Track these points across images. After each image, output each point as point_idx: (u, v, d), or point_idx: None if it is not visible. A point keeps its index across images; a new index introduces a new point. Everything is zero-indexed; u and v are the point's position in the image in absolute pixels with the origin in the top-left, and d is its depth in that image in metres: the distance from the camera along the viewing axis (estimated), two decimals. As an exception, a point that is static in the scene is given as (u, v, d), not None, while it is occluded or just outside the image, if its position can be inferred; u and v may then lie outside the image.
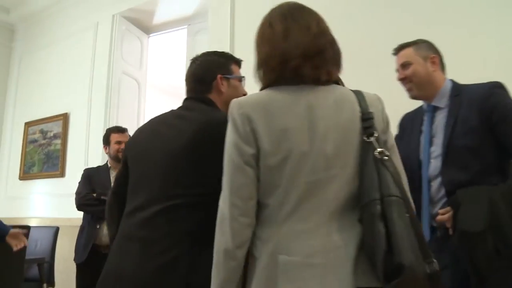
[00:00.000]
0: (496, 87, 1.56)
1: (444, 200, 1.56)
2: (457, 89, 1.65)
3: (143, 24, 4.61)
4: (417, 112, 1.79)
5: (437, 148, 1.61)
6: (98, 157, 3.84)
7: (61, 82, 4.62)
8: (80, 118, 4.34)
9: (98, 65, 4.32)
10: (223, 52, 1.53)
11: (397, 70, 1.76)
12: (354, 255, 0.90)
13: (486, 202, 1.35)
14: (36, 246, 3.47)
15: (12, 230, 2.46)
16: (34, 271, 3.27)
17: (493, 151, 1.51)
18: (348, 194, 0.96)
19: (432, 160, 1.62)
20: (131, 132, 4.16)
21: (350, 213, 0.96)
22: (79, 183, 2.94)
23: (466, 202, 1.40)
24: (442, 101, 1.66)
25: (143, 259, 1.18)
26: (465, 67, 2.08)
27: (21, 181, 4.70)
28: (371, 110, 1.00)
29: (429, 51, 1.72)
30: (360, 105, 1.00)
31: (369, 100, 1.03)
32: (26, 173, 4.66)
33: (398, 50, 1.77)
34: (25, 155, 4.73)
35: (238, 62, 1.52)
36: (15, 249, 2.41)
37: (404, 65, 1.72)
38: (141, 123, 4.46)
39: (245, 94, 1.49)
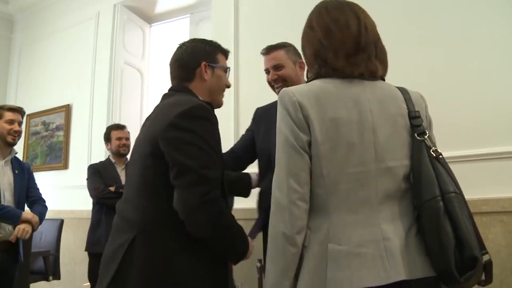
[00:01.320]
0: None
1: None
2: None
3: (145, 13, 4.54)
4: (273, 108, 1.85)
5: None
6: (101, 148, 3.79)
7: (63, 73, 4.57)
8: (82, 109, 4.30)
9: (100, 55, 4.27)
10: (211, 40, 1.50)
11: (267, 70, 1.90)
12: (403, 247, 0.93)
13: None
14: (41, 239, 3.46)
15: (25, 214, 2.40)
16: (39, 263, 3.26)
17: None
18: (398, 187, 0.99)
19: None
20: (133, 125, 4.19)
21: (399, 206, 0.99)
22: (88, 179, 3.05)
23: None
24: None
25: (110, 243, 1.27)
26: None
27: (24, 174, 4.66)
28: (417, 108, 1.04)
29: (297, 56, 1.88)
30: (407, 103, 1.04)
31: (414, 98, 1.06)
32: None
33: (268, 51, 1.91)
34: (27, 147, 4.70)
35: (225, 53, 1.51)
36: (19, 235, 2.30)
37: (276, 67, 1.86)
38: (144, 114, 4.48)
39: (228, 86, 1.51)
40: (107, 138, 3.19)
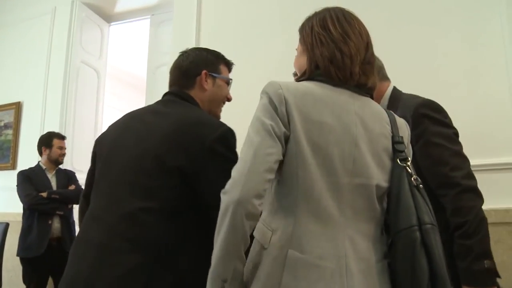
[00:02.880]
0: None
1: None
2: None
3: (104, 12, 4.43)
4: None
5: None
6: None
7: (15, 69, 4.36)
8: (34, 107, 4.12)
9: (55, 52, 4.11)
10: (215, 51, 1.47)
11: None
12: (365, 268, 0.91)
13: None
14: (-17, 243, 3.26)
15: None
16: (-20, 269, 3.08)
17: None
18: (370, 207, 0.96)
19: None
20: (87, 125, 4.06)
21: (368, 226, 0.96)
22: (19, 185, 3.17)
23: None
24: None
25: (100, 267, 1.08)
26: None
27: (-32, 173, 4.40)
28: (400, 134, 1.02)
29: None
30: (391, 126, 1.02)
31: (399, 123, 1.05)
32: (-27, 165, 4.38)
33: None
34: (-28, 145, 4.44)
35: (228, 64, 1.47)
36: None
37: None
38: (100, 114, 4.37)
39: (229, 99, 1.46)
40: (48, 143, 3.29)
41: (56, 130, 3.41)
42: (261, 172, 0.87)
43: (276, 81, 0.97)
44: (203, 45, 3.35)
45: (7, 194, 3.98)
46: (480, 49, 2.38)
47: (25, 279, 3.00)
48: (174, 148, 1.13)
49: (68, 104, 3.99)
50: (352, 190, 0.93)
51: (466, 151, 1.35)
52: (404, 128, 1.06)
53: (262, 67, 2.88)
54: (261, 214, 0.95)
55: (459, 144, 1.36)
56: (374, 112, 1.01)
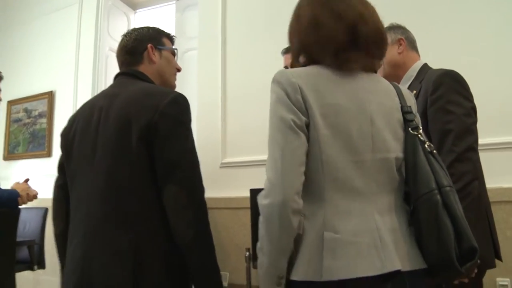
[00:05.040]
0: None
1: None
2: None
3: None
4: None
5: None
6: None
7: (46, 59, 4.46)
8: (66, 96, 4.22)
9: (84, 41, 4.18)
10: (153, 26, 1.51)
11: (285, 67, 2.03)
12: (396, 238, 0.94)
13: None
14: (25, 228, 3.41)
15: (17, 185, 2.45)
16: (24, 253, 3.22)
17: None
18: (391, 179, 0.99)
19: None
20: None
21: (392, 197, 0.99)
22: None
23: None
24: None
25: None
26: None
27: (6, 162, 4.57)
28: (408, 104, 1.05)
29: None
30: (399, 97, 1.05)
31: (405, 94, 1.08)
32: (11, 153, 4.54)
33: (288, 51, 2.12)
34: (9, 135, 4.60)
35: (170, 37, 1.51)
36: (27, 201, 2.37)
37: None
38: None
39: (179, 69, 1.52)
40: None
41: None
42: (294, 169, 0.90)
43: (287, 70, 0.99)
44: (229, 29, 3.35)
45: (45, 180, 4.12)
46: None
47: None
48: (133, 124, 1.18)
49: (98, 92, 4.06)
50: (374, 165, 0.96)
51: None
52: (410, 98, 1.09)
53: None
54: None
55: (472, 118, 1.40)
56: (382, 86, 1.04)
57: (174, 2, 4.15)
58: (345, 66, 0.99)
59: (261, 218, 0.93)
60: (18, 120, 4.58)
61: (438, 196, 0.93)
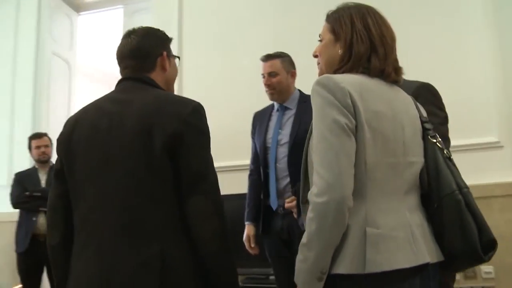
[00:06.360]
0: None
1: (288, 179, 2.07)
2: (304, 97, 2.21)
3: (72, 1, 4.30)
4: (266, 110, 2.34)
5: (284, 138, 2.15)
6: (24, 145, 3.54)
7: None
8: (2, 102, 3.97)
9: (24, 44, 3.97)
10: (160, 29, 1.39)
11: (263, 75, 2.24)
12: (422, 233, 1.06)
13: None
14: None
15: None
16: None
17: None
18: (415, 181, 1.11)
19: (279, 147, 2.15)
20: (59, 119, 3.95)
21: (416, 197, 1.12)
22: (11, 186, 3.34)
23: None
24: (292, 104, 2.23)
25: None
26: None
27: None
28: (424, 114, 1.18)
29: (291, 66, 2.26)
30: (417, 107, 1.17)
31: (419, 104, 1.21)
32: None
33: (267, 58, 2.23)
34: None
35: (170, 41, 1.42)
36: None
37: (271, 74, 2.20)
38: (72, 107, 4.25)
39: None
40: (29, 147, 3.44)
41: (28, 126, 3.51)
42: (349, 170, 0.99)
43: (332, 76, 1.07)
44: (186, 33, 3.33)
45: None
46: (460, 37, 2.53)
47: (18, 270, 3.20)
48: (156, 133, 1.14)
49: (40, 97, 3.90)
50: (405, 168, 1.08)
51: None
52: (422, 110, 1.21)
53: (248, 53, 2.89)
54: None
55: (446, 126, 1.57)
56: (406, 98, 1.17)
57: (122, 6, 4.06)
58: (389, 78, 1.12)
59: (311, 215, 0.99)
60: None
61: (460, 196, 1.07)
